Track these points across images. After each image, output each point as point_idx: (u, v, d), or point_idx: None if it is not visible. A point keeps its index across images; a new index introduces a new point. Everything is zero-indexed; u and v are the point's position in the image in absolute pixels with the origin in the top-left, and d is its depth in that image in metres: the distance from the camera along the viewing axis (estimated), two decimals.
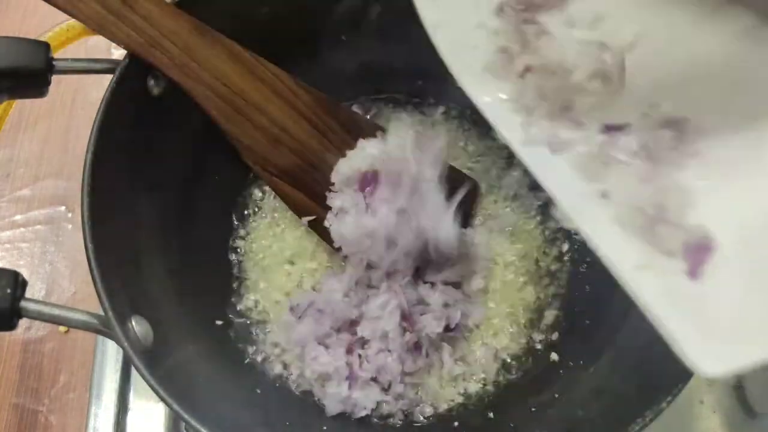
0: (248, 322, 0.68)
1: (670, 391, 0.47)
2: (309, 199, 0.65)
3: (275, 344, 0.66)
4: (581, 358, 0.64)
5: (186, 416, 0.46)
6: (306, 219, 0.66)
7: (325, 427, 0.61)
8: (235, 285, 0.69)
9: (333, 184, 0.65)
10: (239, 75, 0.60)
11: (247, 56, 0.60)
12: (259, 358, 0.65)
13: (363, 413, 0.61)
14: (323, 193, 0.65)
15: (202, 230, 0.68)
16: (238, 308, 0.68)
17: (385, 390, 0.62)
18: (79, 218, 0.50)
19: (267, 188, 0.72)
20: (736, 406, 0.67)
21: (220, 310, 0.66)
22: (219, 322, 0.65)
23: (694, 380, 0.48)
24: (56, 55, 0.55)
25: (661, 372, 0.52)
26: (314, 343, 0.63)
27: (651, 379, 0.53)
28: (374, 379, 0.62)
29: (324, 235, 0.66)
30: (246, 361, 0.64)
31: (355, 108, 0.76)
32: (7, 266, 0.47)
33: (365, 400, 0.61)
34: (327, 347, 0.63)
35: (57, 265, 0.77)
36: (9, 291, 0.46)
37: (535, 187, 0.73)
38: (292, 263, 0.70)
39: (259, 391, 0.62)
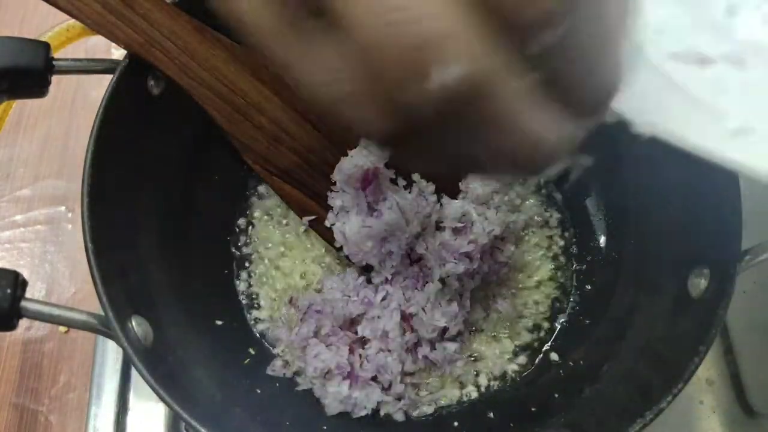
0: (248, 322, 0.67)
1: (670, 391, 0.47)
2: (309, 198, 0.65)
3: (276, 344, 0.66)
4: (581, 358, 0.64)
5: (186, 416, 0.46)
6: (307, 219, 0.66)
7: (325, 427, 0.61)
8: (235, 285, 0.69)
9: (334, 183, 0.65)
10: (239, 75, 0.60)
11: (248, 55, 0.60)
12: (259, 358, 0.65)
13: (363, 413, 0.61)
14: (324, 193, 0.65)
15: (203, 230, 0.68)
16: (238, 308, 0.68)
17: (386, 390, 0.62)
18: (79, 218, 0.50)
19: (268, 188, 0.72)
20: (736, 406, 0.67)
21: (221, 310, 0.66)
22: (219, 322, 0.65)
23: (694, 380, 0.48)
24: (56, 55, 0.55)
25: (661, 372, 0.52)
26: (315, 342, 0.63)
27: (651, 379, 0.53)
28: (374, 379, 0.62)
29: (324, 234, 0.66)
30: (246, 361, 0.64)
31: None
32: (7, 266, 0.47)
33: (365, 400, 0.61)
34: (328, 345, 0.63)
35: (57, 265, 0.77)
36: (9, 291, 0.46)
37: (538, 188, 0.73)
38: (293, 263, 0.69)
39: (259, 391, 0.62)
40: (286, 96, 0.63)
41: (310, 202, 0.65)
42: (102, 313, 0.48)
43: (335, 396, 0.61)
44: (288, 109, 0.63)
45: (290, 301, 0.67)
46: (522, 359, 0.66)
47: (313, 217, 0.65)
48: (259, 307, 0.68)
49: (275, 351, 0.66)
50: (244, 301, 0.68)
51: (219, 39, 0.59)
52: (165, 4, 0.56)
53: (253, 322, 0.67)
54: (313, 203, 0.65)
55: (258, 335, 0.67)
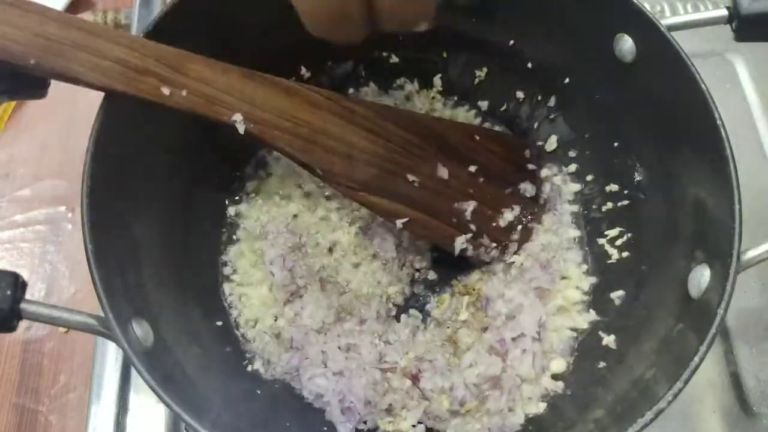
0: (249, 323, 0.67)
1: (670, 391, 0.47)
2: (395, 202, 0.65)
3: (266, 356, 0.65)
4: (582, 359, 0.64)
5: (186, 417, 0.46)
6: (400, 222, 0.65)
7: (325, 428, 0.61)
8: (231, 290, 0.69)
9: (414, 182, 0.65)
10: (298, 106, 0.59)
11: (299, 87, 0.60)
12: (259, 359, 0.65)
13: (363, 427, 0.61)
14: (407, 194, 0.65)
15: (203, 230, 0.68)
16: (238, 309, 0.68)
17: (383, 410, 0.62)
18: (79, 218, 0.50)
19: (266, 188, 0.72)
20: (736, 406, 0.67)
21: (221, 311, 0.66)
22: (219, 323, 0.65)
23: (694, 380, 0.48)
24: None
25: (661, 372, 0.52)
26: (309, 363, 0.63)
27: (651, 379, 0.53)
28: (368, 403, 0.62)
29: (418, 232, 0.67)
30: (246, 362, 0.64)
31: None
32: (7, 266, 0.47)
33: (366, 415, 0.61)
34: (324, 365, 0.63)
35: (57, 265, 0.77)
36: (9, 293, 0.46)
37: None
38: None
39: (259, 392, 0.62)
40: (344, 114, 0.62)
41: (396, 206, 0.65)
42: (102, 315, 0.48)
43: (334, 406, 0.61)
44: (349, 125, 0.62)
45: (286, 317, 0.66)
46: None
47: (405, 220, 0.65)
48: (258, 308, 0.67)
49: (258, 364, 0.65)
50: (244, 302, 0.68)
51: (269, 78, 0.58)
52: (214, 62, 0.55)
53: (252, 322, 0.67)
54: (399, 206, 0.65)
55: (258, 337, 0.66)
